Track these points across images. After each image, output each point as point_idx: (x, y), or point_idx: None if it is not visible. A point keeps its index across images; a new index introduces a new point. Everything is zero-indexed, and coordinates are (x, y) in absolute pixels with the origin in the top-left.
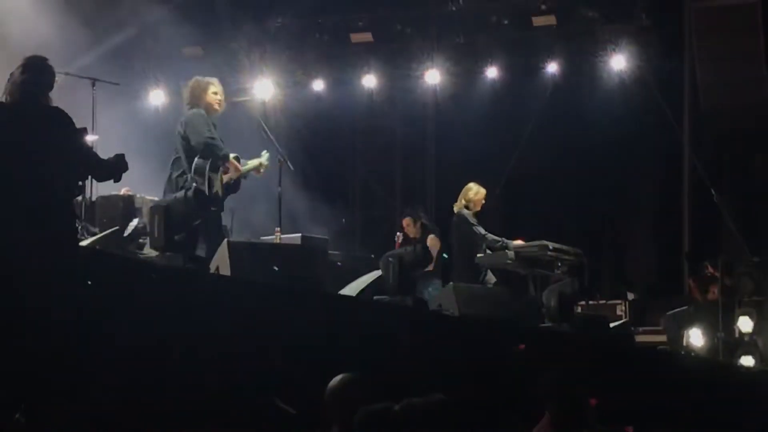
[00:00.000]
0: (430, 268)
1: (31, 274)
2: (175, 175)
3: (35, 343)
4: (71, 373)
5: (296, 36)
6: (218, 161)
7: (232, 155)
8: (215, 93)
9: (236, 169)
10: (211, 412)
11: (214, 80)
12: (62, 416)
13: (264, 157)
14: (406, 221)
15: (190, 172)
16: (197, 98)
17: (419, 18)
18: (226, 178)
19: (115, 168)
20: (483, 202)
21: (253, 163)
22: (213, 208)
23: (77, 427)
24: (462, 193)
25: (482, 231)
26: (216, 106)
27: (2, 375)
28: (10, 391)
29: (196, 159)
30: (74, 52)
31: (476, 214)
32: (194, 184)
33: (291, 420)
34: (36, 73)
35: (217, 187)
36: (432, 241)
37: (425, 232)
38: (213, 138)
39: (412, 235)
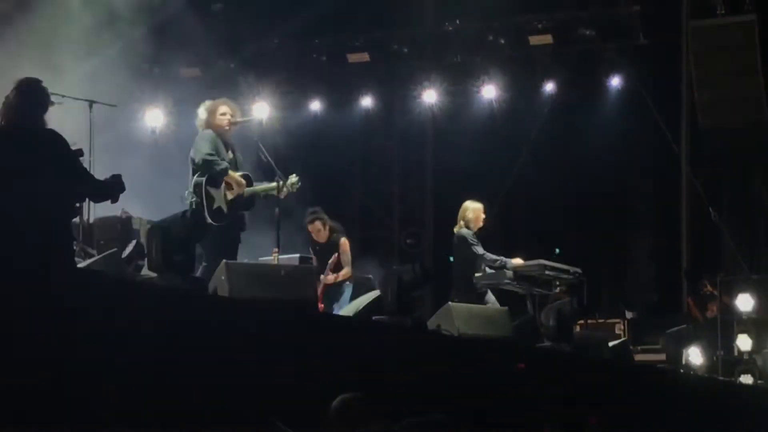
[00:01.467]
0: (348, 273)
1: (28, 297)
2: (186, 192)
3: (31, 366)
4: (67, 396)
5: (293, 56)
6: (216, 177)
7: (240, 173)
8: (223, 114)
9: (238, 184)
10: None
11: (224, 101)
12: None
13: (291, 180)
14: (316, 226)
15: (190, 187)
16: (207, 121)
17: (416, 38)
18: (231, 194)
19: (112, 189)
20: (483, 216)
21: (265, 186)
22: (216, 224)
23: None
24: (459, 213)
25: (480, 251)
26: (225, 127)
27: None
28: (9, 412)
29: (195, 177)
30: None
31: (479, 232)
32: (192, 203)
33: None
34: (31, 95)
35: (220, 203)
36: (345, 245)
37: (333, 233)
38: (211, 155)
39: (322, 240)
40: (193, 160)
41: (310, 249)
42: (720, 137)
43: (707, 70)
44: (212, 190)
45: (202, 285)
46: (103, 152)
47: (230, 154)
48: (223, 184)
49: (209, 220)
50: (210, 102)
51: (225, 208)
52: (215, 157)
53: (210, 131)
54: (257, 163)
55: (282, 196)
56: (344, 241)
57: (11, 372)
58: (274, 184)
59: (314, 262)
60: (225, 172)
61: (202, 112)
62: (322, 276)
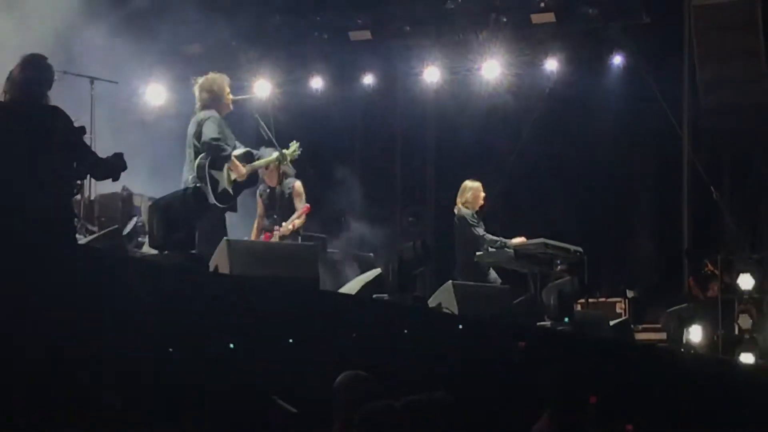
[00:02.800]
0: (303, 221)
1: (29, 272)
2: (190, 177)
3: (31, 342)
4: (68, 373)
5: (295, 34)
6: (220, 160)
7: (242, 150)
8: (228, 93)
9: (239, 169)
10: (211, 412)
11: (227, 78)
12: (61, 416)
13: (292, 147)
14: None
15: (193, 172)
16: (216, 99)
17: (418, 16)
18: (234, 176)
19: (114, 167)
20: (482, 195)
21: (265, 160)
22: (223, 206)
23: (76, 427)
24: (459, 194)
25: (481, 232)
26: (231, 106)
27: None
28: (9, 393)
29: (198, 159)
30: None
31: (479, 211)
32: (196, 185)
33: (292, 419)
34: (35, 71)
35: (225, 185)
36: (299, 188)
37: (285, 177)
38: (217, 139)
39: (273, 184)
40: (196, 142)
41: (257, 194)
42: (722, 116)
43: (709, 49)
44: (215, 173)
45: (203, 262)
46: (104, 129)
47: (231, 134)
48: (226, 167)
49: (215, 203)
50: (213, 80)
51: (230, 190)
52: (221, 142)
53: (216, 113)
54: (258, 140)
55: (288, 168)
56: (298, 185)
57: (12, 347)
58: (275, 155)
59: (258, 207)
60: (228, 158)
61: (206, 90)
62: (276, 227)
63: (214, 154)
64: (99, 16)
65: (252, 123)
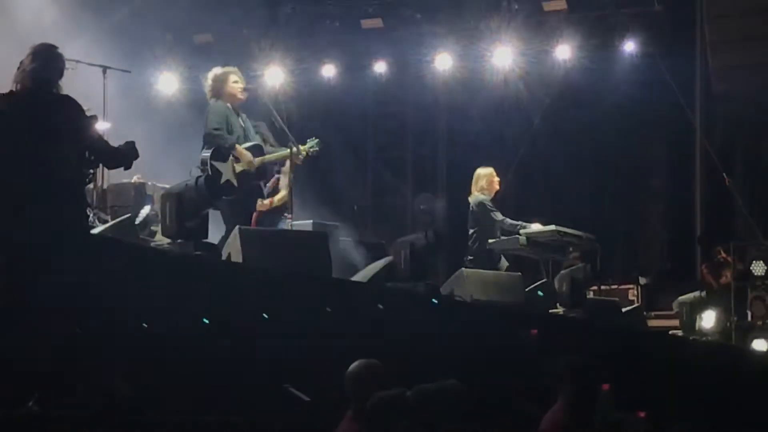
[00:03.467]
0: (285, 197)
1: (42, 261)
2: (192, 168)
3: (45, 330)
4: (81, 360)
5: (307, 22)
6: (222, 151)
7: (250, 144)
8: (236, 82)
9: (246, 158)
10: (224, 399)
11: (234, 69)
12: (73, 404)
13: (309, 144)
14: None
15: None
16: (218, 90)
17: (430, 3)
18: (240, 167)
19: (126, 156)
20: (496, 179)
21: (279, 153)
22: (226, 197)
23: (88, 415)
24: (473, 182)
25: (500, 216)
26: (239, 95)
27: (12, 362)
28: (21, 380)
29: (201, 151)
30: (85, 39)
31: (494, 197)
32: (199, 176)
33: (304, 406)
34: (46, 60)
35: (228, 176)
36: (285, 168)
37: None
38: (218, 129)
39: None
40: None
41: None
42: (734, 103)
43: (721, 35)
44: (219, 164)
45: (215, 251)
46: (117, 118)
47: (242, 123)
48: (231, 158)
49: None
50: (219, 70)
51: (235, 181)
52: (222, 132)
53: (221, 102)
54: (270, 130)
55: (299, 162)
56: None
57: (25, 335)
58: (286, 150)
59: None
60: (232, 147)
61: (211, 80)
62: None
63: (216, 146)
64: (112, 6)
65: (263, 113)
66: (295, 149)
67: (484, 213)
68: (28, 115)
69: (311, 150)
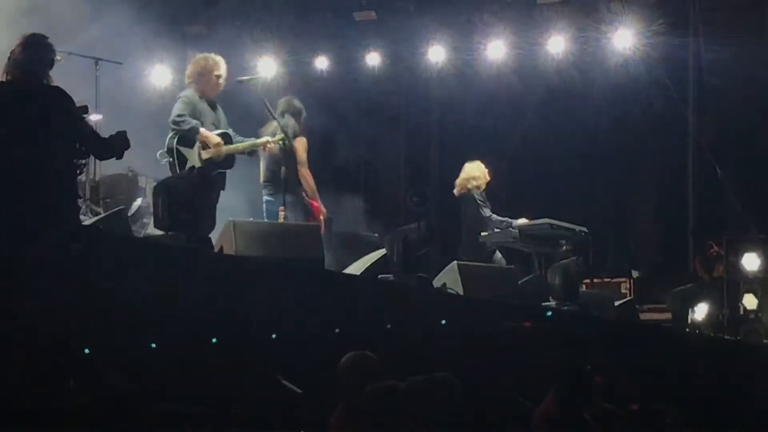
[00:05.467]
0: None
1: (34, 254)
2: (158, 153)
3: (36, 323)
4: (74, 353)
5: (300, 14)
6: (187, 135)
7: (218, 131)
8: (218, 76)
9: (215, 144)
10: (216, 392)
11: (220, 61)
12: (69, 398)
13: (277, 136)
14: None
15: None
16: (197, 76)
17: None
18: (207, 154)
19: (117, 146)
20: (485, 170)
21: (248, 143)
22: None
23: (84, 409)
24: (464, 174)
25: (487, 212)
26: (216, 88)
27: (6, 357)
28: (15, 375)
29: (167, 138)
30: (76, 29)
31: (485, 189)
32: (168, 161)
33: (296, 398)
34: (36, 51)
35: (193, 162)
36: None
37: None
38: (180, 116)
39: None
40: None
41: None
42: (727, 94)
43: (714, 27)
44: (184, 150)
45: (208, 243)
46: (108, 110)
47: (216, 115)
48: (197, 144)
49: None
50: (208, 57)
51: (201, 167)
52: (183, 117)
53: (190, 91)
54: (263, 121)
55: (268, 150)
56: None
57: (16, 330)
58: (260, 139)
59: None
60: (195, 130)
61: (193, 68)
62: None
63: (180, 130)
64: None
65: (253, 104)
66: (286, 139)
67: (474, 207)
68: (17, 106)
69: (277, 139)
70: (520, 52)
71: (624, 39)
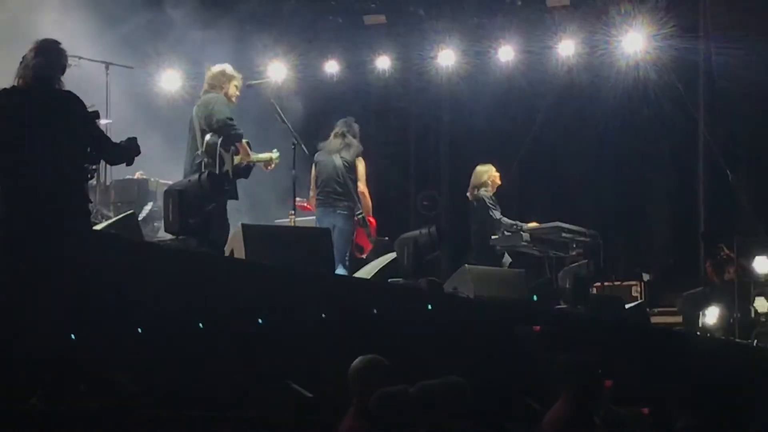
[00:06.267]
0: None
1: (44, 257)
2: (197, 160)
3: (48, 327)
4: (84, 356)
5: (310, 18)
6: (231, 139)
7: (244, 140)
8: (236, 87)
9: (246, 153)
10: (227, 396)
11: (239, 76)
12: (78, 401)
13: (275, 153)
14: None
15: (201, 147)
16: (219, 85)
17: None
18: (236, 160)
19: (128, 152)
20: (496, 174)
21: (264, 155)
22: (225, 187)
23: (93, 412)
24: (474, 178)
25: (498, 215)
26: (234, 99)
27: (17, 359)
28: (25, 376)
29: (207, 136)
30: (87, 35)
31: (496, 193)
32: (204, 162)
33: (307, 402)
34: (48, 56)
35: (228, 166)
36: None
37: None
38: (232, 119)
39: None
40: (208, 119)
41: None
42: (737, 98)
43: (725, 30)
44: (224, 153)
45: (218, 247)
46: (119, 114)
47: None
48: (233, 149)
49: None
50: (230, 69)
51: (231, 173)
52: (234, 122)
53: (225, 98)
54: (273, 126)
55: (268, 168)
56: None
57: (28, 333)
58: (267, 155)
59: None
60: (240, 137)
61: (220, 75)
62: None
63: (228, 134)
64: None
65: (263, 109)
66: (275, 155)
67: (484, 210)
68: (29, 111)
69: (273, 161)
70: (530, 55)
71: (634, 42)
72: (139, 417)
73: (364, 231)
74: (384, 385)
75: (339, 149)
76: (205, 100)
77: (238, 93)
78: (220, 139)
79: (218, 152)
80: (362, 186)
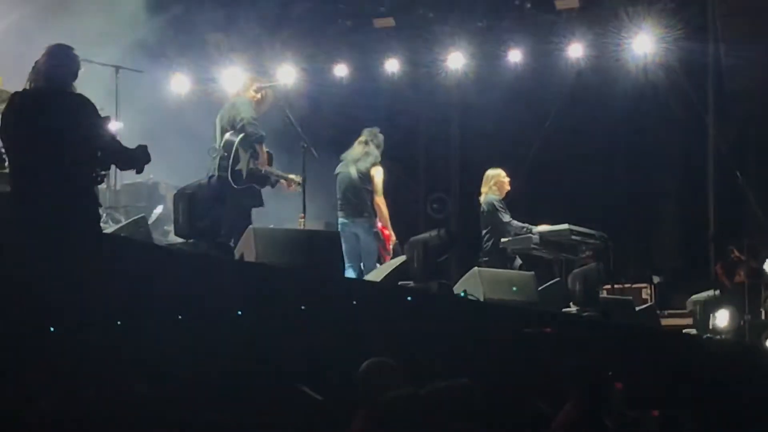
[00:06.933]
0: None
1: (55, 261)
2: (212, 153)
3: (58, 330)
4: (95, 361)
5: (319, 21)
6: (251, 138)
7: (266, 149)
8: (256, 92)
9: (266, 161)
10: (236, 399)
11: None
12: (85, 404)
13: (299, 177)
14: None
15: (220, 144)
16: (245, 89)
17: (442, 2)
18: (253, 163)
19: (138, 159)
20: (506, 179)
21: (289, 174)
22: (234, 185)
23: (101, 415)
24: (483, 182)
25: (507, 218)
26: (260, 105)
27: (25, 363)
28: (33, 380)
29: (227, 134)
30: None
31: (505, 197)
32: (218, 158)
33: (317, 406)
34: (60, 60)
35: (242, 165)
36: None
37: None
38: (257, 120)
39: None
40: (233, 119)
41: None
42: (746, 99)
43: (734, 33)
44: (242, 152)
45: (228, 250)
46: (129, 118)
47: None
48: (251, 151)
49: (229, 178)
50: (252, 75)
51: (244, 174)
52: (258, 123)
53: (250, 101)
54: (283, 129)
55: (290, 189)
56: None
57: (38, 336)
58: (291, 175)
59: None
60: (262, 139)
61: (246, 81)
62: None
63: (249, 132)
64: (124, 5)
65: (272, 112)
66: (298, 179)
67: (494, 213)
68: (41, 115)
69: (297, 186)
70: (539, 58)
71: (643, 45)
72: (154, 421)
73: (379, 244)
74: (393, 388)
75: (357, 159)
76: (232, 102)
77: (258, 97)
78: (240, 137)
79: (235, 149)
80: (378, 198)
